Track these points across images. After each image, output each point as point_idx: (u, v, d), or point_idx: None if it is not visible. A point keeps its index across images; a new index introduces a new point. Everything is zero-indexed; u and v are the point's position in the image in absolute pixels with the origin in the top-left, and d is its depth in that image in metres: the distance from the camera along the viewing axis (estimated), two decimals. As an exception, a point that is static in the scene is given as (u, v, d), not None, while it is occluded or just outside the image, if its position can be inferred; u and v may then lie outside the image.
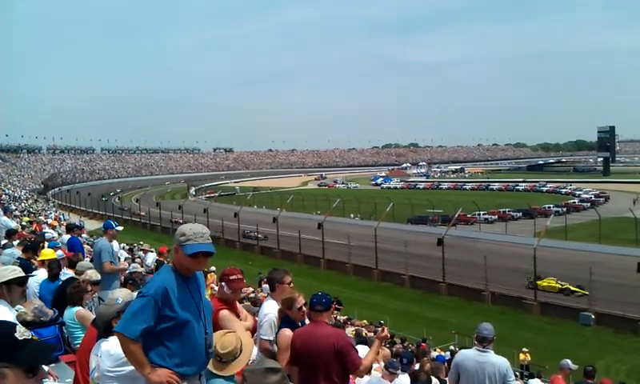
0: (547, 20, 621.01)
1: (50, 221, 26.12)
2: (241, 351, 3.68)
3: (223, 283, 4.57)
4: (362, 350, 6.15)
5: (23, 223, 19.64)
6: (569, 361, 9.50)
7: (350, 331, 15.87)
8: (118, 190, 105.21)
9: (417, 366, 9.32)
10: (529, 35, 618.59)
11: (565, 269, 32.81)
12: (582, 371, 9.45)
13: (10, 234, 11.13)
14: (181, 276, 3.40)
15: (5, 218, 14.56)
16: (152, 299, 3.24)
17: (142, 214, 68.61)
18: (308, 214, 62.30)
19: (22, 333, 2.26)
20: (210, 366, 3.62)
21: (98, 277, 6.68)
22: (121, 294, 5.02)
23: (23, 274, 4.47)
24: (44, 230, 16.73)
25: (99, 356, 4.05)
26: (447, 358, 14.62)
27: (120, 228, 9.40)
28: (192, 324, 3.36)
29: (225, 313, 4.47)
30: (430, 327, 25.76)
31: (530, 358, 21.89)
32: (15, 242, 10.06)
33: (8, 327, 2.27)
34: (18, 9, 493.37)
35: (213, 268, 15.55)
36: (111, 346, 3.90)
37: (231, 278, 4.56)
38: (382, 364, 7.51)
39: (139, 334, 3.19)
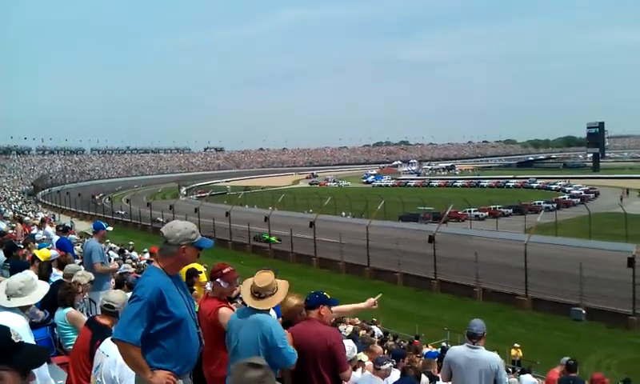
0: (536, 20, 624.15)
1: (39, 222, 25.95)
2: (276, 289, 3.98)
3: (218, 279, 4.57)
4: (350, 345, 6.15)
5: (13, 225, 19.52)
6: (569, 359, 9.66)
7: (347, 329, 15.91)
8: (118, 188, 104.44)
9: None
10: (518, 35, 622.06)
11: (555, 264, 32.97)
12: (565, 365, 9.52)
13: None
14: (169, 276, 3.41)
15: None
16: (148, 302, 3.25)
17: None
18: (299, 212, 62.27)
19: (16, 336, 2.27)
20: (247, 300, 3.93)
21: (91, 278, 6.66)
22: (120, 296, 5.03)
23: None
24: (33, 231, 16.64)
25: (107, 355, 4.04)
26: (439, 354, 14.68)
27: (110, 228, 9.36)
28: (186, 321, 3.40)
29: (224, 310, 4.48)
30: (422, 324, 25.81)
31: (521, 354, 22.01)
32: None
33: (4, 331, 2.27)
34: (8, 10, 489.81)
35: (204, 267, 15.47)
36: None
37: (225, 271, 4.58)
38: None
39: (139, 338, 3.21)
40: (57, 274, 7.50)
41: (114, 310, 4.78)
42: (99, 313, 5.10)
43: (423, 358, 11.80)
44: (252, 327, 3.87)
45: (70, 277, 6.61)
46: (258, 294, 3.92)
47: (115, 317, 4.64)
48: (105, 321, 4.75)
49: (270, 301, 3.95)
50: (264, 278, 3.98)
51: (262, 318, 3.89)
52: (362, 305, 5.48)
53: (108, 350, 4.06)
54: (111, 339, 3.44)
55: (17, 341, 2.22)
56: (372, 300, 5.37)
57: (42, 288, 4.22)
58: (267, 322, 3.88)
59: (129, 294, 5.59)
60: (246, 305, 4.10)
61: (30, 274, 5.01)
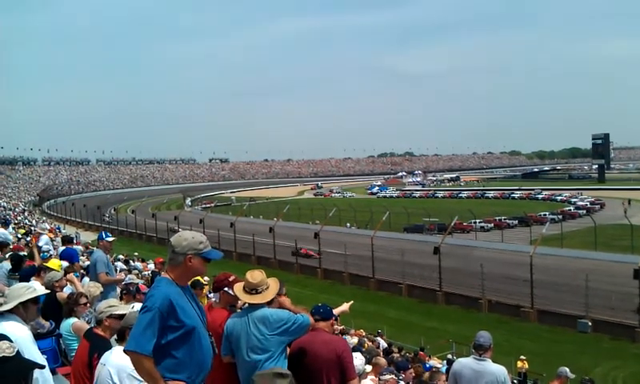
0: (541, 29, 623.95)
1: (45, 233, 25.99)
2: (267, 287, 4.22)
3: (226, 288, 4.57)
4: (360, 358, 6.13)
5: (19, 235, 19.57)
6: (566, 369, 9.53)
7: (352, 341, 15.83)
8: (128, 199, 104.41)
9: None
10: (523, 44, 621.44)
11: (561, 276, 32.84)
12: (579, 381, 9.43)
13: (2, 246, 11.06)
14: (178, 286, 3.41)
15: (1, 230, 14.48)
16: (159, 312, 3.23)
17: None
18: (304, 223, 62.23)
19: (3, 350, 2.23)
20: (243, 298, 4.21)
21: (101, 289, 6.66)
22: (103, 304, 5.06)
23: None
24: (39, 242, 16.64)
25: (104, 364, 4.05)
26: (439, 367, 14.60)
27: (111, 238, 9.31)
28: (198, 330, 3.39)
29: None
30: (427, 336, 25.69)
31: (527, 366, 21.83)
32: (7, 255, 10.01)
33: None
34: (12, 21, 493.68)
35: (207, 278, 15.36)
36: (118, 359, 3.92)
37: (231, 279, 4.59)
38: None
39: (152, 348, 3.19)
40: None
41: (98, 317, 4.85)
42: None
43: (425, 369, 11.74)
44: (255, 326, 4.00)
45: (51, 286, 6.58)
46: (255, 290, 4.15)
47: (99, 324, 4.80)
48: (102, 332, 4.76)
49: (265, 295, 4.16)
50: (256, 274, 4.26)
51: (260, 312, 4.06)
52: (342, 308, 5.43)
53: (105, 360, 4.10)
54: (124, 351, 3.43)
55: (1, 355, 2.19)
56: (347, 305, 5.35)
57: (27, 295, 4.23)
58: (265, 313, 4.06)
59: (132, 304, 5.60)
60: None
61: (31, 283, 5.03)
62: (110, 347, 4.38)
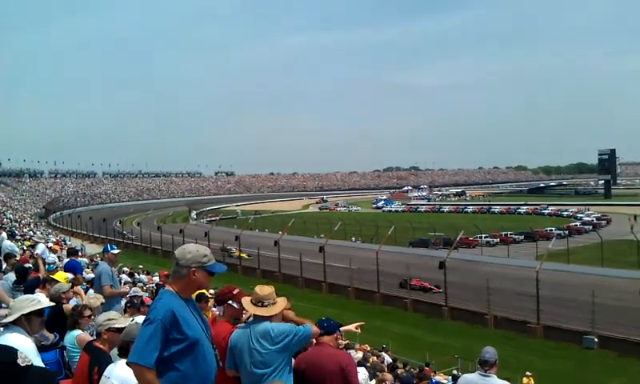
0: (547, 44, 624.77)
1: (50, 245, 26.07)
2: (274, 303, 4.28)
3: (230, 301, 4.58)
4: (364, 373, 6.11)
5: (24, 247, 19.61)
6: None
7: (356, 355, 15.77)
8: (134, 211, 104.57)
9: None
10: (529, 59, 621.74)
11: (567, 291, 32.65)
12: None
13: (7, 258, 11.11)
14: (182, 298, 3.41)
15: (7, 242, 14.53)
16: (161, 324, 3.24)
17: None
18: (309, 237, 62.22)
19: (23, 359, 2.24)
20: (250, 309, 4.25)
21: (102, 301, 6.65)
22: (102, 317, 5.08)
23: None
24: (44, 255, 16.67)
25: (108, 377, 4.05)
26: (445, 382, 14.51)
27: (116, 251, 9.34)
28: (202, 342, 3.39)
29: None
30: (432, 351, 25.51)
31: (533, 383, 21.66)
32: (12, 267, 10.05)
33: (11, 354, 2.25)
34: (18, 34, 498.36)
35: (212, 291, 15.34)
36: (123, 372, 3.92)
37: (235, 292, 4.60)
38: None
39: (154, 361, 3.19)
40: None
41: (97, 330, 4.88)
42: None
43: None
44: (258, 341, 4.01)
45: (58, 298, 6.59)
46: (261, 302, 4.19)
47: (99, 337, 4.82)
48: (101, 344, 4.76)
49: (272, 309, 4.21)
50: (265, 288, 4.33)
51: (261, 327, 4.07)
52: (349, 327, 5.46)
53: (109, 373, 4.10)
54: (127, 363, 3.43)
55: (23, 364, 2.20)
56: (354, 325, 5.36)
57: (30, 308, 4.25)
58: (267, 327, 4.06)
59: (136, 318, 5.60)
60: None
61: (35, 296, 5.04)
62: (110, 361, 4.39)
